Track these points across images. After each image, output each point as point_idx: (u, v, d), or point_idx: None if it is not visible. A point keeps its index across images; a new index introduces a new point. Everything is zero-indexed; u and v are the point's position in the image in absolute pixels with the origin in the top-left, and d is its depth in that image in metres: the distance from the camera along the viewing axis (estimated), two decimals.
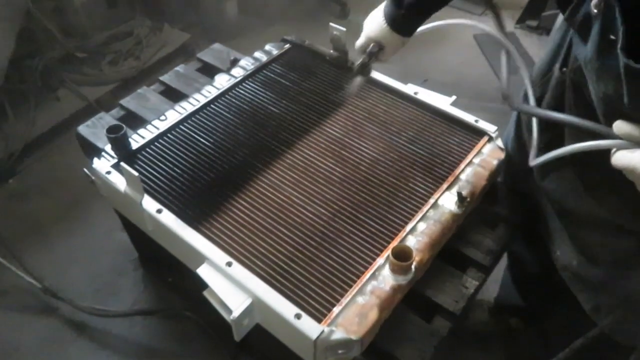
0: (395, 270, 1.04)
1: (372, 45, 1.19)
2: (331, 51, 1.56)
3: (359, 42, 1.23)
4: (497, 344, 1.58)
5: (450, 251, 1.21)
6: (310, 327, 0.95)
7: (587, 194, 0.93)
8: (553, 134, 0.95)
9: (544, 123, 0.97)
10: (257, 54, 1.61)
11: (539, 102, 0.99)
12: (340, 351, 0.98)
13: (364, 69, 1.28)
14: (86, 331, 1.65)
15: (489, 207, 1.32)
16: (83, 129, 1.49)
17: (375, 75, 1.51)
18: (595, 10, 0.69)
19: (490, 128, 1.33)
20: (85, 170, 1.31)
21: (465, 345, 1.58)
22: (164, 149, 1.32)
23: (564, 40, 0.92)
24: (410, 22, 1.10)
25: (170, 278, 1.72)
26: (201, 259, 1.08)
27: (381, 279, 1.04)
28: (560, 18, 0.99)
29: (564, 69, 0.88)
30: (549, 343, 1.45)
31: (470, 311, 1.60)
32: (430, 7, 1.06)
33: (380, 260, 1.07)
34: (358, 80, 1.30)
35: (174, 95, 1.59)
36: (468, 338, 1.58)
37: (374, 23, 1.15)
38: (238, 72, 1.53)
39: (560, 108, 0.90)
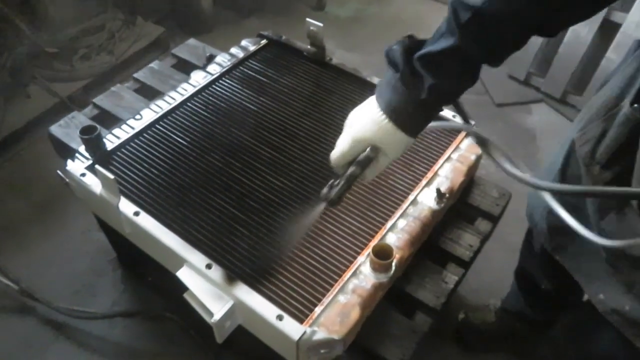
0: (376, 269, 1.04)
1: (369, 149, 0.83)
2: (308, 47, 1.55)
3: (341, 149, 0.85)
4: (501, 346, 1.60)
5: (430, 246, 1.22)
6: (292, 328, 0.95)
7: None
8: (618, 170, 0.85)
9: (608, 158, 0.86)
10: (234, 50, 1.59)
11: (599, 139, 0.88)
12: (322, 351, 0.98)
13: (349, 188, 0.86)
14: (65, 332, 1.61)
15: (467, 202, 1.33)
16: (55, 129, 1.46)
17: (354, 70, 1.51)
18: None
19: None
20: (59, 172, 1.28)
21: (470, 347, 1.60)
22: (140, 149, 1.29)
23: (638, 73, 0.82)
24: (423, 116, 0.82)
25: (150, 277, 1.70)
26: (180, 261, 1.07)
27: (362, 277, 1.05)
28: (634, 48, 0.90)
29: (636, 105, 0.79)
30: (558, 352, 1.43)
31: (476, 312, 1.61)
32: (455, 90, 0.80)
33: (361, 259, 1.07)
34: (320, 209, 0.90)
35: (148, 93, 1.56)
36: (473, 339, 1.60)
37: (366, 119, 0.83)
38: (214, 69, 1.51)
39: (628, 147, 0.81)
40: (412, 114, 0.80)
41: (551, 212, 1.04)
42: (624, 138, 0.81)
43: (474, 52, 0.74)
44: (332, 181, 0.86)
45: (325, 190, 0.86)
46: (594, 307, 0.98)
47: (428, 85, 0.75)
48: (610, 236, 0.85)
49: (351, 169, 0.84)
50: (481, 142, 0.89)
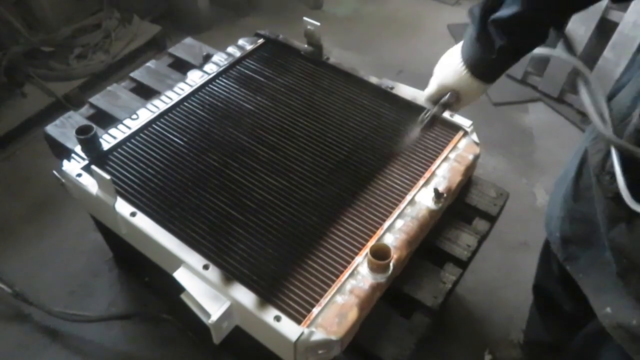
0: (373, 269, 1.04)
1: (448, 94, 1.00)
2: (306, 46, 1.54)
3: (430, 90, 1.04)
4: None
5: (427, 246, 1.22)
6: (290, 329, 0.95)
7: None
8: (628, 181, 0.82)
9: (629, 161, 0.83)
10: (230, 49, 1.58)
11: (610, 149, 0.87)
12: (320, 351, 0.98)
13: (434, 123, 1.07)
14: (60, 336, 1.60)
15: (465, 202, 1.33)
16: (51, 129, 1.45)
17: (351, 70, 1.50)
18: None
19: (465, 122, 1.34)
20: (55, 172, 1.27)
21: None
22: (137, 149, 1.28)
23: None
24: (498, 67, 0.93)
25: (147, 278, 1.69)
26: (178, 262, 1.06)
27: (360, 277, 1.04)
28: None
29: None
30: None
31: (502, 351, 1.56)
32: (526, 48, 0.88)
33: (358, 259, 1.07)
34: (417, 132, 1.12)
35: (145, 92, 1.55)
36: None
37: (449, 69, 0.98)
38: (211, 68, 1.50)
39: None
40: (487, 67, 0.92)
41: (565, 221, 1.06)
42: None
43: (538, 17, 0.80)
44: (425, 111, 1.06)
45: (420, 117, 1.06)
46: (596, 334, 0.95)
47: (498, 47, 0.84)
48: (621, 249, 0.87)
49: (436, 109, 1.03)
50: (583, 79, 0.91)
